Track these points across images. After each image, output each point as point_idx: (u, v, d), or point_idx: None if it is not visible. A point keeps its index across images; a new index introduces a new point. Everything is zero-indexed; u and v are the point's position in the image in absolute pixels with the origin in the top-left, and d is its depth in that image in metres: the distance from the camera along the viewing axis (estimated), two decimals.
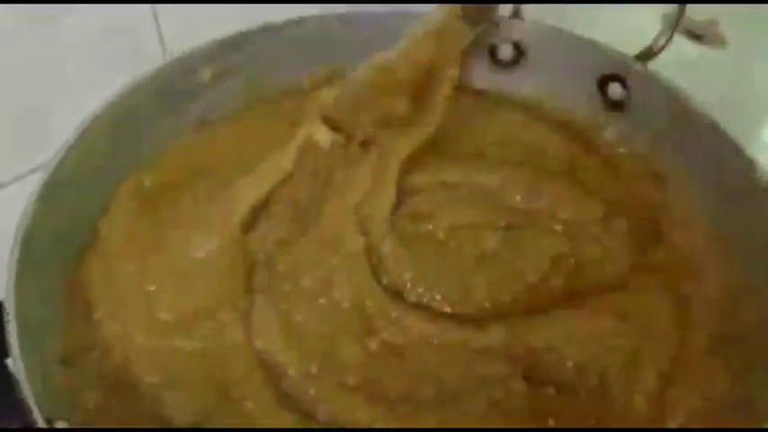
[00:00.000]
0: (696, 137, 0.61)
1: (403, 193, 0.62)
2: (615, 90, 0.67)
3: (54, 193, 0.56)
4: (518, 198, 0.62)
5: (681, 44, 0.78)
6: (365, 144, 0.64)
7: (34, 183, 0.55)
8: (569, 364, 0.51)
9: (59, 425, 0.45)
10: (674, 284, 0.56)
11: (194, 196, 0.61)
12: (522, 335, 0.52)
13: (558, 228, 0.60)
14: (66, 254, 0.56)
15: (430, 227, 0.60)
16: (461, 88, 0.67)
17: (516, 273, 0.56)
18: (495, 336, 0.52)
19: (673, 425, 0.48)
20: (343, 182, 0.62)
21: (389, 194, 0.61)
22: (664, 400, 0.49)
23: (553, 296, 0.56)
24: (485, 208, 0.61)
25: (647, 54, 0.66)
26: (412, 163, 0.64)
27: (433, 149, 0.65)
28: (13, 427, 0.52)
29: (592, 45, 0.68)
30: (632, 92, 0.66)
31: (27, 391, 0.44)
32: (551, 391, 0.50)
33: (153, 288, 0.55)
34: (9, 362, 0.63)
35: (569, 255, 0.57)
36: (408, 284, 0.56)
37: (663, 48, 0.66)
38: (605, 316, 0.53)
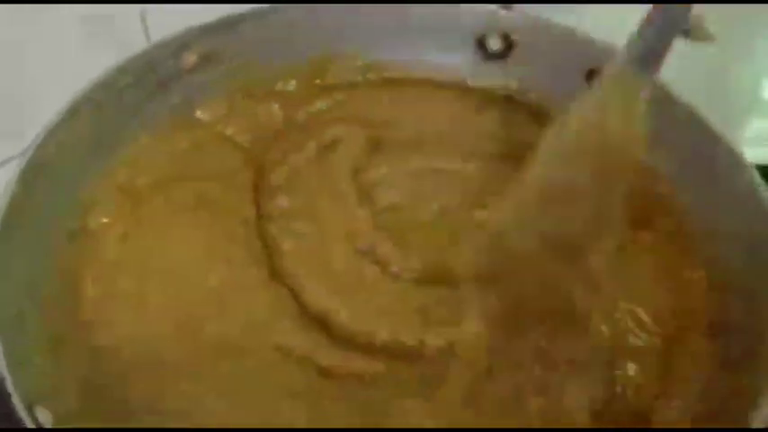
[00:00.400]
0: (677, 127, 0.61)
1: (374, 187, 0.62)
2: None
3: (35, 175, 0.54)
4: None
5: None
6: None
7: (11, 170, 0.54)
8: None
9: (39, 412, 0.44)
10: (667, 266, 0.57)
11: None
12: None
13: None
14: (48, 239, 0.55)
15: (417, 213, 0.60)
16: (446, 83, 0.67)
17: None
18: None
19: (673, 406, 0.49)
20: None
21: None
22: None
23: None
24: (470, 192, 0.61)
25: None
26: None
27: (415, 148, 0.65)
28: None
29: (581, 37, 0.68)
30: None
31: (5, 374, 0.43)
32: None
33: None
34: None
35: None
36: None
37: None
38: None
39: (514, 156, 0.63)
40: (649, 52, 0.49)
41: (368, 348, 0.51)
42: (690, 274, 0.57)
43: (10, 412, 0.43)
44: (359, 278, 0.56)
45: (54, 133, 0.57)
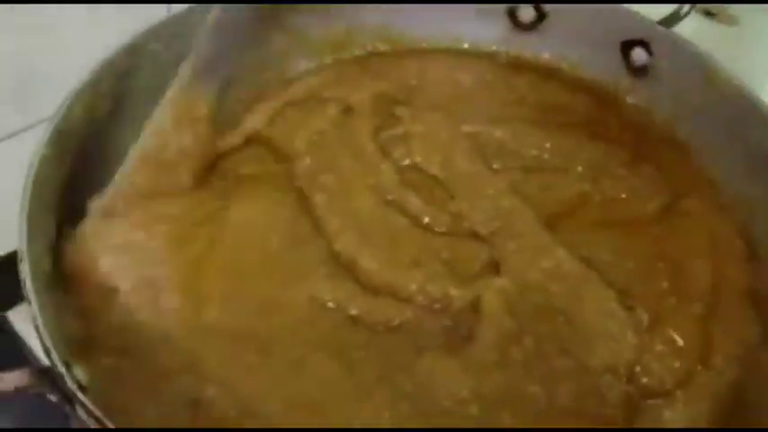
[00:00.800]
0: (723, 104, 0.60)
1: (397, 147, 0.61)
2: (639, 55, 0.65)
3: (64, 138, 0.53)
4: (533, 152, 0.61)
5: (694, 20, 0.78)
6: None
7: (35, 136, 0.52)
8: None
9: (77, 370, 0.43)
10: (708, 230, 0.56)
11: None
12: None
13: (580, 170, 0.59)
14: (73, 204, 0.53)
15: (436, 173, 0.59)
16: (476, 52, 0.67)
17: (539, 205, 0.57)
18: None
19: (715, 363, 0.49)
20: None
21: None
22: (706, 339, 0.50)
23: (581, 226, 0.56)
24: (495, 156, 0.61)
25: (672, 19, 0.64)
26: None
27: (440, 111, 0.64)
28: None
29: (615, 9, 0.67)
30: (657, 57, 0.64)
31: (43, 332, 0.42)
32: None
33: None
34: (9, 314, 0.63)
35: (593, 193, 0.58)
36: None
37: (687, 14, 0.65)
38: (643, 237, 0.54)
39: (543, 121, 0.63)
40: (206, 64, 0.57)
41: (396, 298, 0.51)
42: (729, 243, 0.56)
43: (46, 369, 0.43)
44: (387, 229, 0.55)
45: (80, 97, 0.55)
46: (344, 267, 0.53)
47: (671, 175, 0.60)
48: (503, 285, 0.52)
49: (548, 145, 0.61)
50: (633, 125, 0.64)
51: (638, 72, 0.66)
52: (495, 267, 0.53)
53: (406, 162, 0.60)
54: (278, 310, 0.50)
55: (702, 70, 0.61)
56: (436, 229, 0.56)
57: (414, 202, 0.57)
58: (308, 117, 0.63)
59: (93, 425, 0.41)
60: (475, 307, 0.51)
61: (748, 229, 0.57)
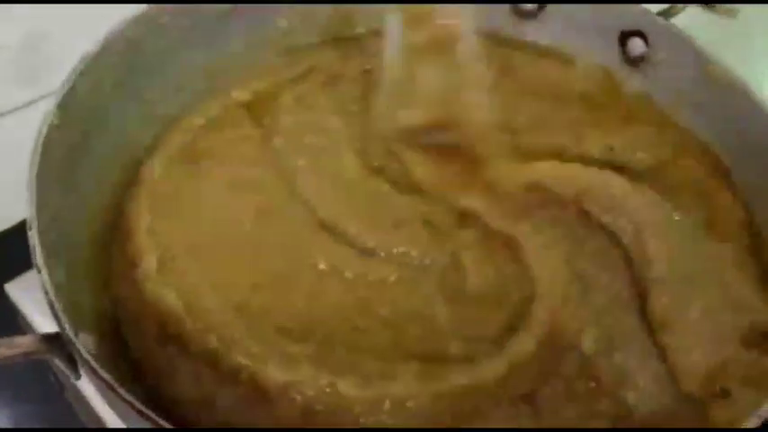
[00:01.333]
0: (719, 96, 0.61)
1: None
2: (636, 45, 0.66)
3: (72, 108, 0.54)
4: (521, 119, 0.63)
5: (693, 12, 0.79)
6: None
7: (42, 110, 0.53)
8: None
9: (82, 338, 0.44)
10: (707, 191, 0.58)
11: None
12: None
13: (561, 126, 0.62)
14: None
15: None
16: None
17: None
18: None
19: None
20: None
21: None
22: None
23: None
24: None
25: (671, 11, 0.66)
26: None
27: None
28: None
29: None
30: (654, 48, 0.66)
31: (53, 298, 0.43)
32: None
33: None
34: (8, 287, 0.63)
35: (571, 146, 0.61)
36: None
37: (685, 6, 0.66)
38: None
39: (532, 92, 0.65)
40: None
41: (385, 258, 0.53)
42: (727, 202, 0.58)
43: (55, 335, 0.44)
44: (369, 193, 0.57)
45: (88, 68, 0.56)
46: (331, 231, 0.54)
47: (667, 137, 0.62)
48: (477, 238, 0.54)
49: (533, 111, 0.63)
50: (628, 109, 0.66)
51: (635, 63, 0.67)
52: (473, 220, 0.55)
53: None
54: (279, 282, 0.51)
55: (699, 63, 0.62)
56: (416, 188, 0.57)
57: (397, 164, 0.59)
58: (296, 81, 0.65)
59: (99, 390, 0.42)
60: (456, 264, 0.53)
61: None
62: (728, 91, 0.60)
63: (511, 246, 0.54)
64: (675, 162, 0.60)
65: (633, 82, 0.67)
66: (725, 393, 0.47)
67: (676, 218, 0.55)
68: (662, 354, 0.49)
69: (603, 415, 0.46)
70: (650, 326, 0.50)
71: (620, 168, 0.59)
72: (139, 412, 0.39)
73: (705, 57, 0.62)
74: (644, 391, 0.47)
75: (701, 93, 0.62)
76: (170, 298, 0.49)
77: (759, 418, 0.41)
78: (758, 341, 0.49)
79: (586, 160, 0.59)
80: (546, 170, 0.58)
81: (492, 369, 0.46)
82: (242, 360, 0.46)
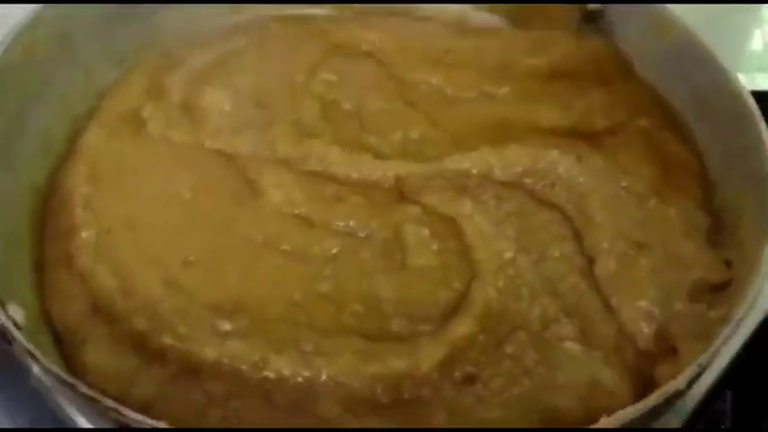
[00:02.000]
0: (671, 48, 0.60)
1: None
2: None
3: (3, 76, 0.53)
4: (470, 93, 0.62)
5: None
6: None
7: None
8: None
9: (11, 309, 0.43)
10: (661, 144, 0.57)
11: None
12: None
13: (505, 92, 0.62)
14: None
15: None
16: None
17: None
18: None
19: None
20: None
21: None
22: None
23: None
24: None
25: None
26: None
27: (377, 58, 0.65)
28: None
29: None
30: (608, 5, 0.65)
31: None
32: None
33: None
34: None
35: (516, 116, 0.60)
36: None
37: None
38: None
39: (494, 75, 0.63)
40: None
41: (325, 230, 0.52)
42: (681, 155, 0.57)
43: None
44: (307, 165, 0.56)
45: (18, 39, 0.54)
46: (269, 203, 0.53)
47: (622, 95, 0.61)
48: (417, 212, 0.53)
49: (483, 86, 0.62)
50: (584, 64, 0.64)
51: (591, 18, 0.65)
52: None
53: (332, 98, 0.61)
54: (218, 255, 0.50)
55: (650, 16, 0.61)
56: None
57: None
58: None
59: (29, 362, 0.41)
60: (400, 240, 0.51)
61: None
62: (680, 42, 0.59)
63: (454, 224, 0.53)
64: (632, 121, 0.59)
65: (590, 38, 0.65)
66: (675, 351, 0.46)
67: (623, 184, 0.54)
68: (614, 316, 0.49)
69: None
70: (600, 290, 0.49)
71: (576, 133, 0.58)
72: (61, 380, 0.38)
73: (656, 9, 0.61)
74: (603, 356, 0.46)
75: (655, 46, 0.61)
76: (102, 275, 0.48)
77: (699, 366, 0.40)
78: (705, 296, 0.49)
79: (540, 131, 0.58)
80: (485, 156, 0.56)
81: (430, 354, 0.45)
82: (168, 340, 0.45)
